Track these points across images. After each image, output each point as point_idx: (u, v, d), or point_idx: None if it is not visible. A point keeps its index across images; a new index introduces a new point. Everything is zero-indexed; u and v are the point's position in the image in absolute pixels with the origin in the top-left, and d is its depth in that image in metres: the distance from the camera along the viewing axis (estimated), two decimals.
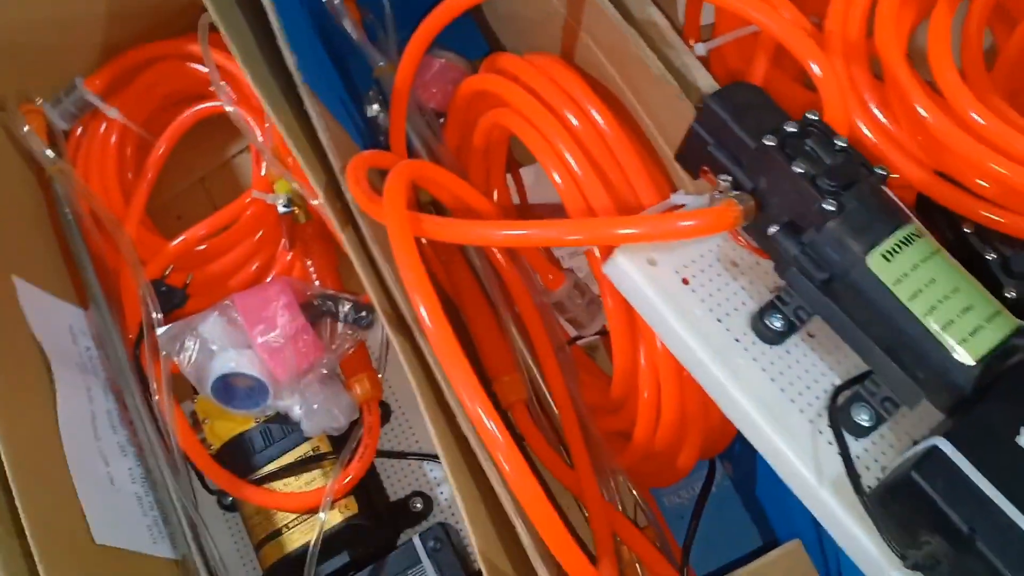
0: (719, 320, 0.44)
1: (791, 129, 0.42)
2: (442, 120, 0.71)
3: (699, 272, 0.45)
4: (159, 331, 0.64)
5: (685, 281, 0.44)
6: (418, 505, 0.66)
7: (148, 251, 0.72)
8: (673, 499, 0.70)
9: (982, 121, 0.48)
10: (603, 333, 0.69)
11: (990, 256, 0.50)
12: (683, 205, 0.47)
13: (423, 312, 0.42)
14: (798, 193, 0.41)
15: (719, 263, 0.46)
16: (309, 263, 0.68)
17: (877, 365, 0.40)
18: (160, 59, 0.76)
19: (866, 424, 0.41)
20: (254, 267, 0.73)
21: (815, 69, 0.45)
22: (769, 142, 0.42)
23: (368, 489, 0.63)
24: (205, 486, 0.66)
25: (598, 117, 0.56)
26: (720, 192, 0.44)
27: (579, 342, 0.69)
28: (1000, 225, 0.49)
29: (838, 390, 0.42)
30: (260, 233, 0.73)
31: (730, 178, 0.44)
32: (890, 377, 0.40)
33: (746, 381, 0.42)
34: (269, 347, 0.62)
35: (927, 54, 0.51)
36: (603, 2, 0.53)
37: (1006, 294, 0.49)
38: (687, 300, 0.44)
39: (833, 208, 0.40)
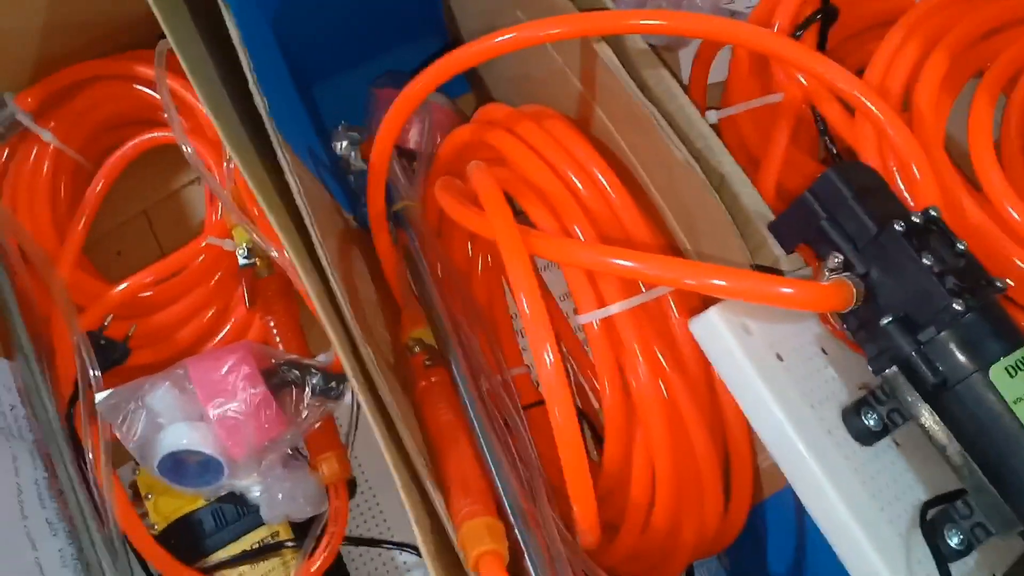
0: (812, 407, 0.40)
1: (916, 220, 0.39)
2: (413, 164, 0.66)
3: (792, 351, 0.42)
4: (98, 398, 0.56)
5: (779, 357, 0.41)
6: None
7: (85, 295, 0.65)
8: None
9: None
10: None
11: None
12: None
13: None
14: (923, 287, 0.38)
15: (812, 346, 0.43)
16: (271, 322, 0.62)
17: (975, 487, 0.37)
18: (103, 78, 0.68)
19: (956, 548, 0.38)
20: (205, 320, 0.66)
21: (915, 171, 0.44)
22: (898, 227, 0.39)
23: None
24: (147, 571, 0.59)
25: (604, 182, 0.51)
26: (830, 269, 0.40)
27: None
28: None
29: (927, 506, 0.39)
30: (213, 281, 0.66)
31: (841, 257, 0.40)
32: (988, 502, 0.37)
33: (841, 480, 0.39)
34: (226, 422, 0.55)
35: (969, 148, 0.48)
36: (618, 72, 0.48)
37: None
38: (782, 378, 0.40)
39: (961, 309, 0.37)
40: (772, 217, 0.45)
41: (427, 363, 0.59)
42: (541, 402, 0.66)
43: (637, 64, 0.49)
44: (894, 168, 0.48)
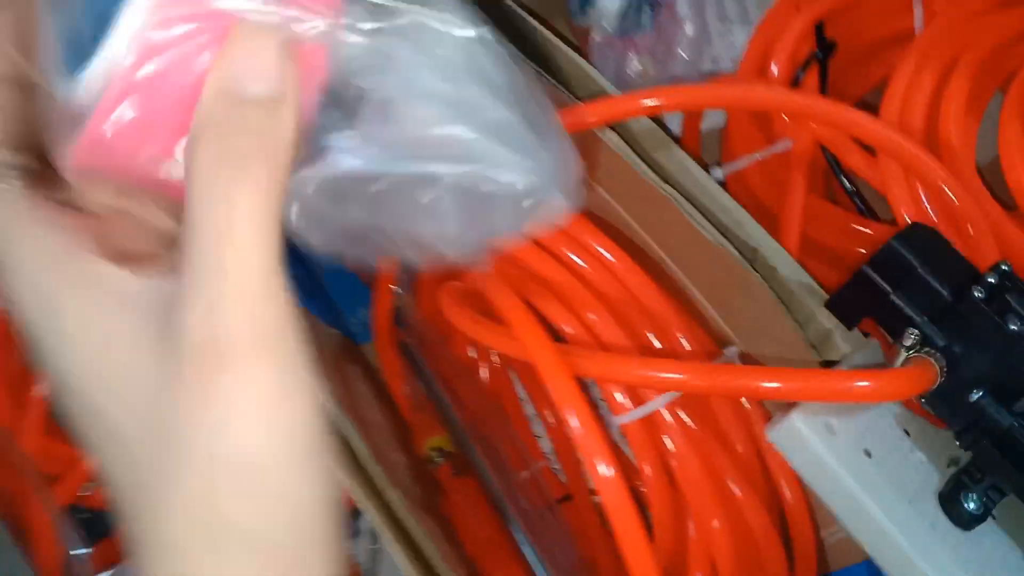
0: (911, 503, 0.37)
1: (992, 281, 0.37)
2: None
3: (878, 443, 0.38)
4: None
5: (867, 453, 0.38)
6: None
7: (56, 463, 0.58)
8: None
9: None
10: None
11: None
12: None
13: None
14: (1015, 356, 0.35)
15: (894, 429, 0.40)
16: None
17: None
18: None
19: None
20: None
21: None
22: (978, 294, 0.36)
23: None
24: None
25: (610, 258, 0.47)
26: (907, 347, 0.37)
27: None
28: None
29: None
30: None
31: (917, 332, 0.37)
32: None
33: None
34: None
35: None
36: (627, 155, 0.44)
37: None
38: (876, 478, 0.37)
39: None
40: (815, 287, 0.42)
41: (454, 473, 0.55)
42: (568, 497, 0.62)
43: (642, 142, 0.45)
44: (928, 208, 0.44)
